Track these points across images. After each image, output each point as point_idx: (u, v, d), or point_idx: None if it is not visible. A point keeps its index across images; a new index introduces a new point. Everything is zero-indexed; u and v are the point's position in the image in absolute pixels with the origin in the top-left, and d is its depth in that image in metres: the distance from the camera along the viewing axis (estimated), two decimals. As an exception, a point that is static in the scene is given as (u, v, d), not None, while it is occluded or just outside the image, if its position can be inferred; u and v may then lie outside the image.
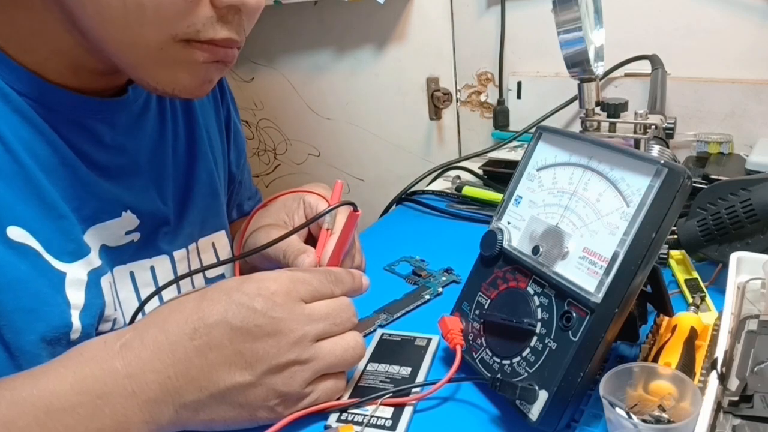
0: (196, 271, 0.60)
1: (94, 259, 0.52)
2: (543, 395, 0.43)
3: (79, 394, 0.40)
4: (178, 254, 0.62)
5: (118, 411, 0.41)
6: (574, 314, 0.43)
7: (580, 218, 0.45)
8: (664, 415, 0.41)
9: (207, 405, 0.43)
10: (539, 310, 0.46)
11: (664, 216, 0.41)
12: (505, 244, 0.50)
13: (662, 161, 0.41)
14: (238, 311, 0.43)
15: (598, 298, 0.42)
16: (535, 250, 0.47)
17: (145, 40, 0.45)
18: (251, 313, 0.43)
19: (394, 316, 0.61)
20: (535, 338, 0.45)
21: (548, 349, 0.44)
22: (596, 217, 0.44)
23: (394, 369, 0.52)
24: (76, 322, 0.49)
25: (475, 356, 0.49)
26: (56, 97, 0.50)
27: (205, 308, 0.44)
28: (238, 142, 0.77)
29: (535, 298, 0.46)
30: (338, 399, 0.48)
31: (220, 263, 0.59)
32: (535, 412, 0.43)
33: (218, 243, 0.68)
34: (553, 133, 0.51)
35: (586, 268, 0.43)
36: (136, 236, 0.57)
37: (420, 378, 0.51)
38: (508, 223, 0.51)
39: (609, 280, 0.42)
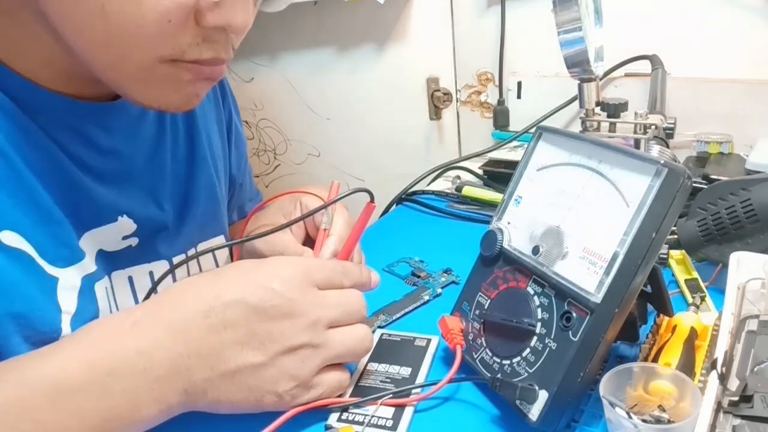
0: (193, 257, 0.60)
1: (88, 265, 0.52)
2: (543, 395, 0.43)
3: (88, 371, 0.40)
4: (178, 260, 0.62)
5: (129, 389, 0.41)
6: (574, 314, 0.43)
7: (580, 218, 0.45)
8: (664, 415, 0.41)
9: (216, 385, 0.43)
10: (539, 310, 0.46)
11: (664, 216, 0.41)
12: (505, 244, 0.50)
13: (662, 161, 0.41)
14: (256, 290, 0.43)
15: (598, 298, 0.42)
16: (535, 250, 0.47)
17: (130, 61, 0.45)
18: (269, 293, 0.43)
19: (393, 317, 0.61)
20: (535, 338, 0.45)
21: (548, 349, 0.44)
22: (596, 217, 0.44)
23: (395, 369, 0.52)
24: (66, 328, 0.48)
25: (475, 356, 0.50)
26: (49, 102, 0.49)
27: (222, 287, 0.44)
28: (239, 144, 0.77)
29: (535, 298, 0.46)
30: (340, 396, 0.48)
31: (211, 249, 0.59)
32: (535, 412, 0.43)
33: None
34: (553, 133, 0.51)
35: (586, 267, 0.43)
36: (133, 241, 0.57)
37: (420, 378, 0.51)
38: (508, 223, 0.51)
39: (609, 280, 0.42)
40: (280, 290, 0.44)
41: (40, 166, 0.48)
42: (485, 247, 0.52)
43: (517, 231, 0.50)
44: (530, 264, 0.47)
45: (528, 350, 0.45)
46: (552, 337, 0.44)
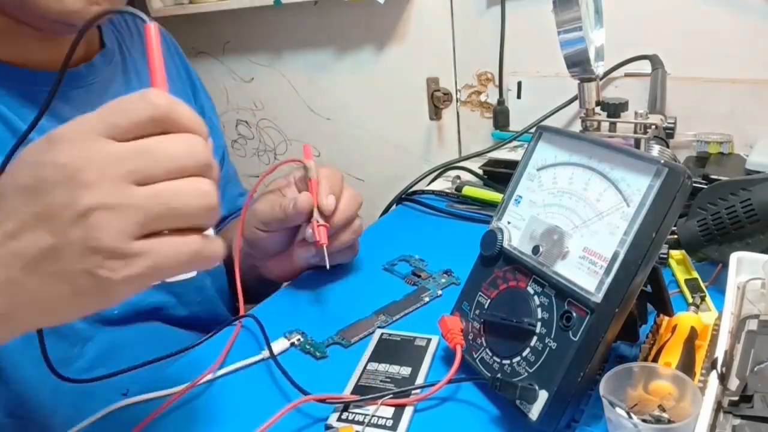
0: None
1: None
2: (543, 395, 0.43)
3: None
4: None
5: None
6: (574, 314, 0.43)
7: (581, 218, 0.45)
8: (664, 415, 0.41)
9: (20, 283, 0.38)
10: (539, 309, 0.46)
11: (665, 216, 0.41)
12: (505, 244, 0.50)
13: (662, 161, 0.41)
14: (25, 168, 0.38)
15: (598, 297, 0.42)
16: (535, 250, 0.47)
17: None
18: (38, 167, 0.37)
19: (394, 318, 0.61)
20: (535, 338, 0.45)
21: (548, 348, 0.44)
22: (596, 216, 0.44)
23: (395, 369, 0.52)
24: None
25: (476, 356, 0.49)
26: (4, 73, 0.49)
27: (2, 179, 0.39)
28: (216, 138, 0.75)
29: (535, 297, 0.46)
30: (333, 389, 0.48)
31: None
32: (535, 412, 0.43)
33: None
34: (554, 132, 0.51)
35: (586, 267, 0.43)
36: None
37: (420, 378, 0.51)
38: (508, 222, 0.51)
39: (609, 279, 0.42)
40: (49, 158, 0.37)
41: (1, 138, 0.48)
42: (485, 246, 0.52)
43: (517, 230, 0.50)
44: (530, 264, 0.47)
45: (528, 350, 0.45)
46: (552, 336, 0.44)
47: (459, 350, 0.50)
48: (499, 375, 0.46)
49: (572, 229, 0.46)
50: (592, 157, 0.46)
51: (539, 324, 0.45)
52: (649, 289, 0.49)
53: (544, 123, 0.91)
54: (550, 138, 0.51)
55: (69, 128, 0.38)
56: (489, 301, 0.50)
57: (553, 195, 0.48)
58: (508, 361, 0.46)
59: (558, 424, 0.43)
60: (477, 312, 0.51)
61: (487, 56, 1.09)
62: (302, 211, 0.57)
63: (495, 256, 0.51)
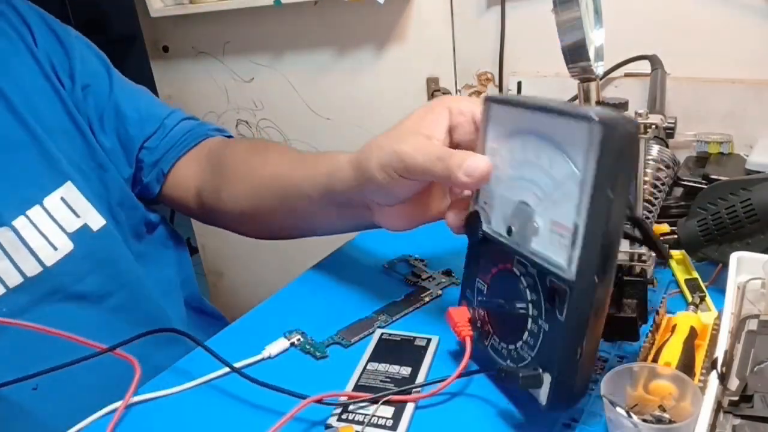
0: None
1: None
2: (547, 378, 0.41)
3: None
4: (20, 222, 0.58)
5: None
6: (557, 292, 0.41)
7: (542, 189, 0.42)
8: (665, 415, 0.41)
9: None
10: (527, 291, 0.44)
11: (617, 172, 0.37)
12: (485, 227, 0.48)
13: (595, 117, 0.37)
14: None
15: (571, 273, 0.39)
16: (509, 231, 0.45)
17: None
18: None
19: (394, 318, 0.61)
20: (530, 321, 0.44)
21: (542, 330, 0.43)
22: (554, 185, 0.41)
23: (395, 369, 0.52)
24: None
25: (486, 343, 0.49)
26: None
27: None
28: (85, 60, 0.70)
29: (522, 279, 0.45)
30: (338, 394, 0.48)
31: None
32: (543, 396, 0.42)
33: (69, 196, 0.63)
34: (501, 102, 0.47)
35: (557, 242, 0.40)
36: None
37: (420, 378, 0.51)
38: (485, 203, 0.49)
39: (577, 252, 0.38)
40: None
41: None
42: (470, 231, 0.50)
43: (493, 211, 0.48)
44: (508, 245, 0.45)
45: (526, 333, 0.44)
46: (543, 318, 0.43)
47: (469, 342, 0.48)
48: (507, 360, 0.45)
49: (536, 203, 0.43)
50: (534, 122, 0.43)
51: (530, 306, 0.43)
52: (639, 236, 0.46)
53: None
54: (498, 110, 0.48)
55: None
56: (486, 286, 0.49)
57: (514, 168, 0.45)
58: (513, 346, 0.45)
59: (568, 405, 0.42)
60: (479, 299, 0.50)
61: (487, 56, 1.09)
62: (477, 181, 0.47)
63: (480, 240, 0.49)
